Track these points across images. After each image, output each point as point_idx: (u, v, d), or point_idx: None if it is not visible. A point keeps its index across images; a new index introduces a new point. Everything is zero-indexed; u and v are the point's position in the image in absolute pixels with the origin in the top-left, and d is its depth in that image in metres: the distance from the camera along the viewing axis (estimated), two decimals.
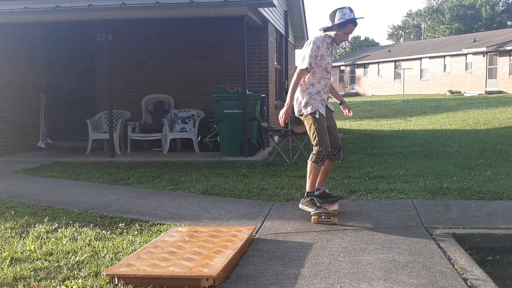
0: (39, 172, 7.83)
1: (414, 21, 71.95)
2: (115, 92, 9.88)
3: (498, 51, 31.08)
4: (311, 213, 4.70)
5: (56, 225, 4.67)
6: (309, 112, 4.74)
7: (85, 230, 4.50)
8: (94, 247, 3.98)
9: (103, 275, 3.30)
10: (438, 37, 56.98)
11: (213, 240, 3.92)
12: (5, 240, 4.23)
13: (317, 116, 4.70)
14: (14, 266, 3.56)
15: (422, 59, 37.09)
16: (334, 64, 51.21)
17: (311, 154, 4.75)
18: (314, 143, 4.75)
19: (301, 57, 4.83)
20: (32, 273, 3.43)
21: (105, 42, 9.20)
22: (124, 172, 7.73)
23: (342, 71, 46.50)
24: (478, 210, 4.98)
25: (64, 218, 4.94)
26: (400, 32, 75.50)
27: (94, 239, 4.22)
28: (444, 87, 34.49)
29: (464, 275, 3.33)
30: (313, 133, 4.70)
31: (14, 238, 4.29)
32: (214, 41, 10.39)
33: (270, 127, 9.83)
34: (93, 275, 3.37)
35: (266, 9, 9.70)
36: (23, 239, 4.26)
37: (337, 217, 4.68)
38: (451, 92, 32.95)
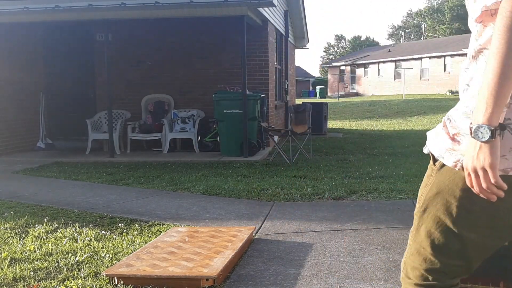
0: (38, 172, 7.83)
1: (414, 21, 71.97)
2: (115, 92, 9.88)
3: None
4: None
5: (56, 225, 4.66)
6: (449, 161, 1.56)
7: (85, 230, 4.49)
8: (94, 247, 3.97)
9: (103, 275, 3.30)
10: (438, 37, 56.99)
11: (213, 240, 3.92)
12: (4, 240, 4.22)
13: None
14: (13, 266, 3.55)
15: (422, 59, 37.10)
16: (333, 64, 51.49)
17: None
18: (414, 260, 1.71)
19: None
20: (31, 273, 3.43)
21: (105, 42, 9.19)
22: (124, 172, 7.73)
23: (342, 71, 46.51)
24: None
25: (63, 218, 4.94)
26: (400, 32, 75.56)
27: (94, 239, 4.21)
28: (445, 87, 34.47)
29: None
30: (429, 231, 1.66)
31: (13, 238, 4.28)
32: (214, 41, 10.38)
33: (270, 127, 9.82)
34: (92, 275, 3.36)
35: (266, 9, 9.69)
36: (23, 239, 4.25)
37: None
38: (452, 92, 32.93)
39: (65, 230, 4.48)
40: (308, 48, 17.10)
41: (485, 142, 1.38)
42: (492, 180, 1.39)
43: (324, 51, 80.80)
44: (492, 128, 1.37)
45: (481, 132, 1.39)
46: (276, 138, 9.73)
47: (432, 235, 1.62)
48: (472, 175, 1.43)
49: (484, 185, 1.41)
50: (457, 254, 1.61)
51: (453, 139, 1.54)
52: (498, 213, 1.53)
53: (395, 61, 39.72)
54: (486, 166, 1.39)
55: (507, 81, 1.34)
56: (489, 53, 1.38)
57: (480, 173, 1.41)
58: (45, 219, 4.85)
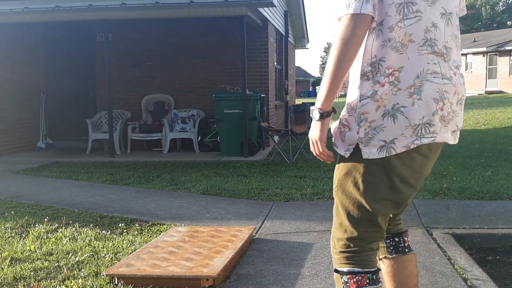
0: (39, 172, 7.83)
1: None
2: (115, 92, 9.88)
3: (498, 51, 31.07)
4: None
5: (56, 225, 4.67)
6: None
7: (85, 230, 4.50)
8: (94, 247, 3.98)
9: (103, 275, 3.30)
10: None
11: (213, 240, 3.92)
12: (5, 240, 4.23)
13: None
14: (14, 266, 3.56)
15: None
16: None
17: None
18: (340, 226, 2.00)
19: None
20: (32, 273, 3.44)
21: (105, 42, 9.20)
22: (124, 172, 7.73)
23: None
24: (478, 210, 4.98)
25: (64, 218, 4.94)
26: None
27: (94, 239, 4.22)
28: None
29: (464, 275, 3.33)
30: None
31: (14, 238, 4.29)
32: (214, 41, 10.39)
33: (270, 127, 9.83)
34: (93, 275, 3.37)
35: (266, 9, 9.70)
36: (23, 239, 4.26)
37: None
38: None
39: (65, 230, 4.48)
40: (308, 48, 17.12)
41: (317, 121, 1.91)
42: (320, 149, 1.93)
43: (324, 51, 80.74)
44: (322, 112, 1.89)
45: (315, 113, 1.90)
46: (276, 138, 9.74)
47: (348, 209, 1.95)
48: (311, 144, 1.96)
49: (316, 152, 1.96)
50: (369, 223, 1.93)
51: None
52: (394, 187, 1.89)
53: None
54: (316, 138, 1.93)
55: (335, 81, 1.83)
56: (328, 58, 1.85)
57: (314, 143, 1.95)
58: (46, 219, 4.86)
